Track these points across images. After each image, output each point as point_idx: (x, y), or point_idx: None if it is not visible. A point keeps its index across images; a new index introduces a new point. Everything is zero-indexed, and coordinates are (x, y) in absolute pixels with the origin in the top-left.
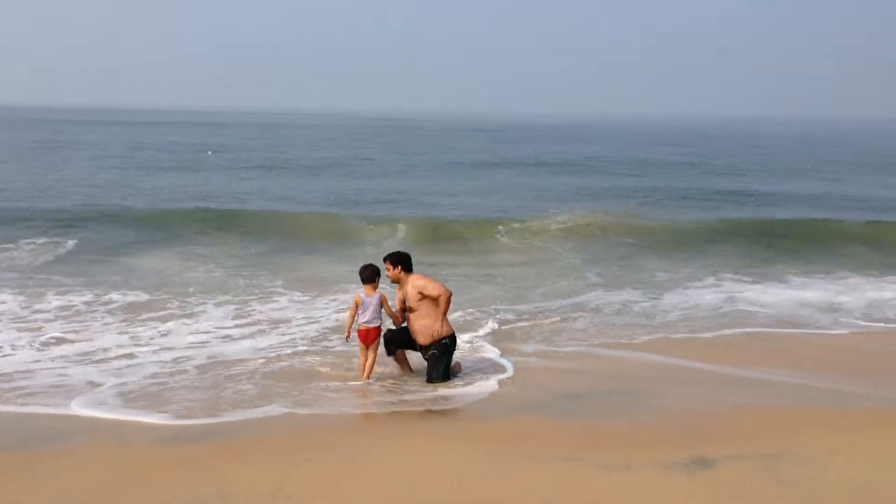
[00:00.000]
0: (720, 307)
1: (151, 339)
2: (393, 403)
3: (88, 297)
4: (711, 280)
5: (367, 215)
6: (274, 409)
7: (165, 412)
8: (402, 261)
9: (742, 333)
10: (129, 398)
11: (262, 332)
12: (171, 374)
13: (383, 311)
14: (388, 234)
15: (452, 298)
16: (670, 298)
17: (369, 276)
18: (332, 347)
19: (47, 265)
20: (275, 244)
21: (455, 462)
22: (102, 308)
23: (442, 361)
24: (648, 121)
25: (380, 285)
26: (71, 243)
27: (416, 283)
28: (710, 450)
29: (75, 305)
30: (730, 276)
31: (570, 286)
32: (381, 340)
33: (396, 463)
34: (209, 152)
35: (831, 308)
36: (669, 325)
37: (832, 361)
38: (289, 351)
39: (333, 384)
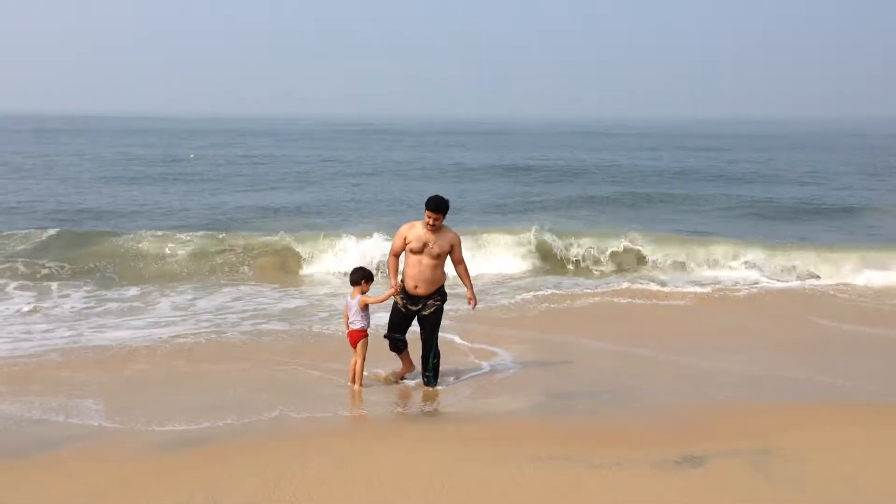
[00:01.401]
0: None
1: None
2: (383, 406)
3: None
4: None
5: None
6: (266, 413)
7: (157, 418)
8: (447, 209)
9: None
10: (116, 405)
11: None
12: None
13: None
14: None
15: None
16: None
17: (355, 279)
18: (321, 350)
19: None
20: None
21: (445, 464)
22: None
23: (440, 317)
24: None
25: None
26: None
27: (450, 236)
28: (699, 447)
29: None
30: None
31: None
32: (389, 338)
33: (387, 466)
34: (191, 154)
35: None
36: None
37: None
38: (279, 354)
39: (326, 388)
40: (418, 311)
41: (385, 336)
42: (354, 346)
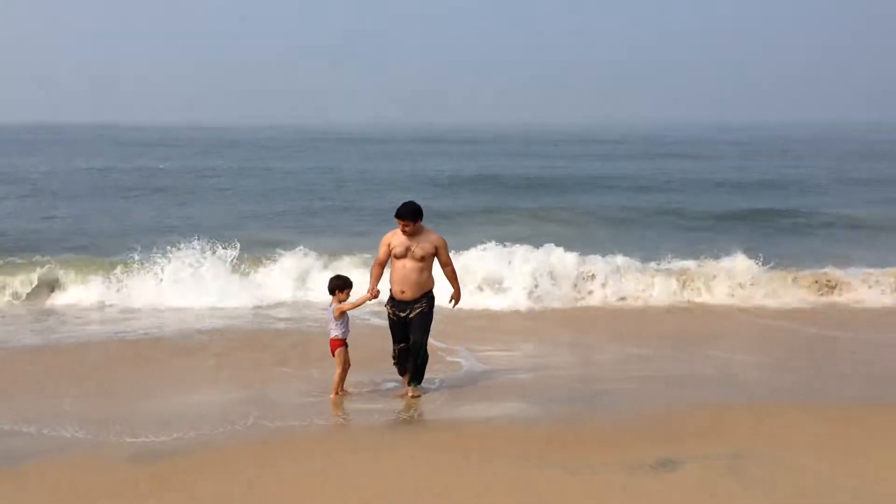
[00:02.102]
0: None
1: None
2: (359, 414)
3: None
4: None
5: None
6: (242, 421)
7: (132, 427)
8: (419, 215)
9: None
10: (95, 417)
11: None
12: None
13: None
14: None
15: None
16: None
17: (330, 288)
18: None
19: None
20: None
21: (421, 471)
22: None
23: (426, 320)
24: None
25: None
26: None
27: (433, 238)
28: (674, 450)
29: None
30: None
31: None
32: (395, 362)
33: (363, 474)
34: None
35: None
36: None
37: None
38: (256, 361)
39: (305, 397)
40: (406, 316)
41: (393, 360)
42: (332, 355)
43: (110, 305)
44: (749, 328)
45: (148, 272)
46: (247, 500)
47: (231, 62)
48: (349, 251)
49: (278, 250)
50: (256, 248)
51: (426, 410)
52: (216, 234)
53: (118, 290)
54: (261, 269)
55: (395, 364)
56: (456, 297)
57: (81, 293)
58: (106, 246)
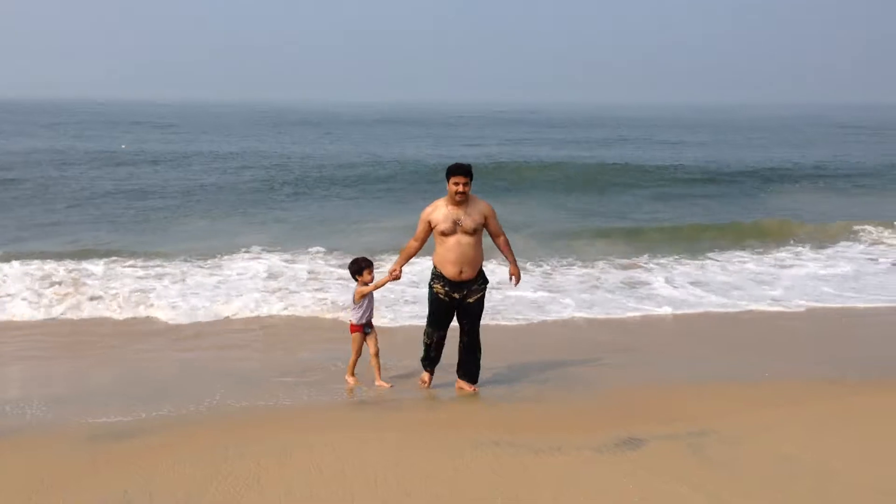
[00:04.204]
0: None
1: None
2: (327, 394)
3: None
4: None
5: None
6: (207, 401)
7: (93, 408)
8: (471, 174)
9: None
10: (50, 397)
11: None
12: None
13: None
14: None
15: None
16: None
17: (351, 271)
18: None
19: None
20: None
21: (387, 452)
22: None
23: (483, 306)
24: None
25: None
26: None
27: (481, 206)
28: (638, 430)
29: None
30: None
31: None
32: (426, 361)
33: (328, 455)
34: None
35: None
36: None
37: None
38: (221, 342)
39: (283, 377)
40: (462, 299)
41: (426, 348)
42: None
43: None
44: None
45: None
46: (211, 481)
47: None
48: None
49: None
50: None
51: (392, 392)
52: None
53: None
54: None
55: (426, 352)
56: (516, 273)
57: None
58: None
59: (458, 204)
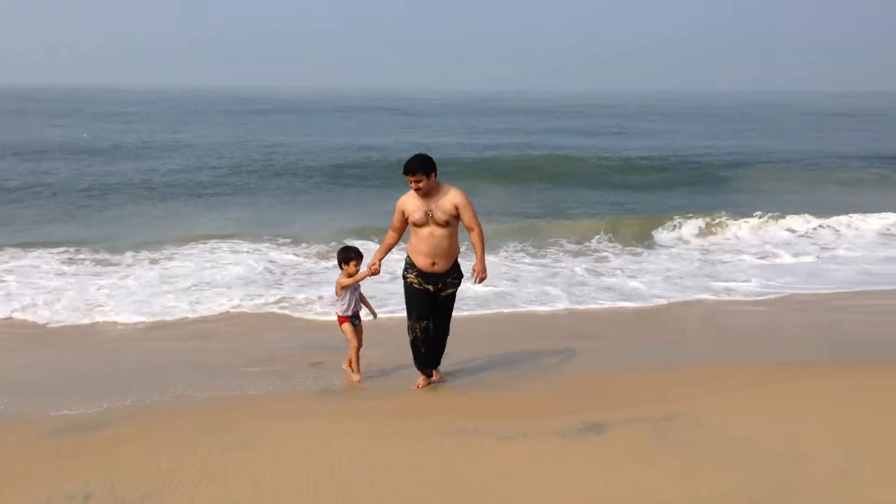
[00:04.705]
0: None
1: None
2: (292, 384)
3: None
4: None
5: None
6: (171, 392)
7: (55, 401)
8: (432, 167)
9: None
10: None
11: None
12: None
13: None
14: None
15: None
16: None
17: (338, 260)
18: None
19: None
20: None
21: (352, 441)
22: None
23: (454, 300)
24: None
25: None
26: None
27: (451, 195)
28: (602, 415)
29: None
30: None
31: None
32: (418, 362)
33: (292, 445)
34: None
35: None
36: None
37: None
38: (184, 334)
39: (250, 367)
40: (436, 293)
41: (413, 341)
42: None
43: None
44: None
45: None
46: (174, 472)
47: None
48: None
49: None
50: None
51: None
52: None
53: None
54: None
55: (415, 350)
56: (479, 270)
57: None
58: None
59: (424, 196)
